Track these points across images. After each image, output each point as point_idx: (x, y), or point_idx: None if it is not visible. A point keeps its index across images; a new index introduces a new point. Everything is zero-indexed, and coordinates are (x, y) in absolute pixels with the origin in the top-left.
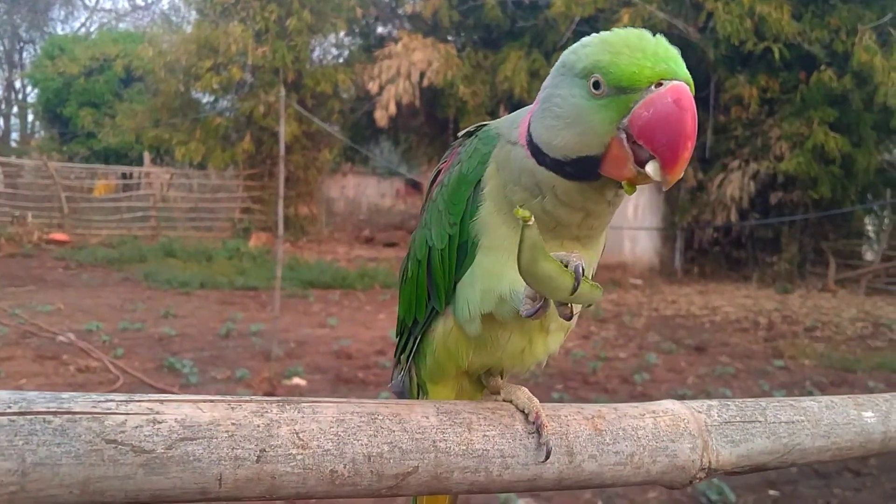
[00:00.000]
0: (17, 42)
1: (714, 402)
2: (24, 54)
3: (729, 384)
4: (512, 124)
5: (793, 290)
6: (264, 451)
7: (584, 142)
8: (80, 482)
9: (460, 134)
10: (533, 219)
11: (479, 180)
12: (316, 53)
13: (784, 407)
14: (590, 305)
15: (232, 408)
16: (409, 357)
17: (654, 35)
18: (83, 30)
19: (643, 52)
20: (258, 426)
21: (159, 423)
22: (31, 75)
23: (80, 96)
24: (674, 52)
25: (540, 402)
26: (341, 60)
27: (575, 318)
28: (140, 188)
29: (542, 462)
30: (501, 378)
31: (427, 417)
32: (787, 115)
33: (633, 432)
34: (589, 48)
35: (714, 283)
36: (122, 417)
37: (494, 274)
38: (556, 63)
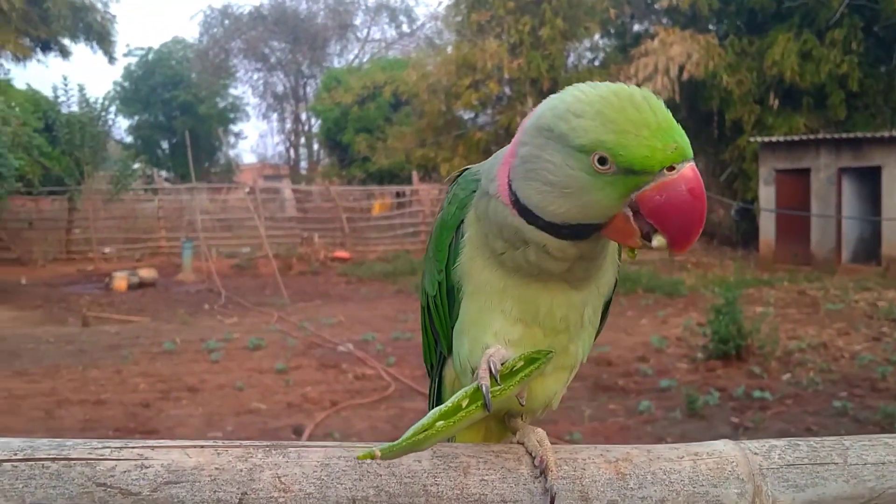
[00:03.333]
0: (300, 78)
1: (779, 443)
2: (308, 89)
3: None
4: (489, 172)
5: None
6: (246, 493)
7: (586, 213)
8: None
9: (446, 179)
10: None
11: (460, 226)
12: (571, 59)
13: (876, 446)
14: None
15: (218, 453)
16: (432, 401)
17: (643, 97)
18: (357, 61)
19: (648, 128)
20: (241, 470)
21: (147, 467)
22: (313, 107)
23: (355, 123)
24: (672, 120)
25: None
26: (596, 63)
27: (580, 356)
28: (411, 205)
29: None
30: (521, 419)
31: (420, 461)
32: None
33: (664, 476)
34: (584, 121)
35: None
36: (113, 463)
37: (480, 323)
38: (537, 121)
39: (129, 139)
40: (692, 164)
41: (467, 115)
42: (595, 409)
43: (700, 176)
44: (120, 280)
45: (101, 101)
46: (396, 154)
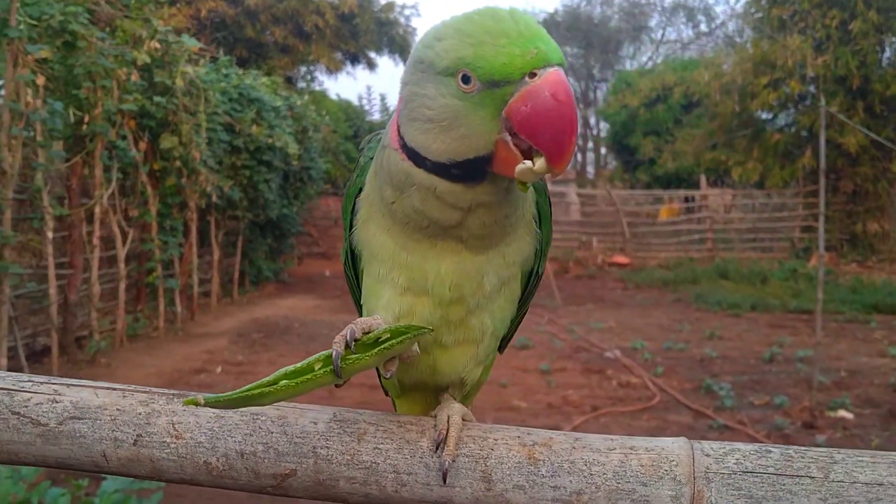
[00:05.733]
0: (591, 82)
1: (746, 447)
2: (598, 93)
3: None
4: (386, 126)
5: None
6: (140, 436)
7: (468, 144)
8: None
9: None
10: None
11: (361, 189)
12: (886, 55)
13: (879, 464)
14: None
15: (124, 396)
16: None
17: (508, 11)
18: (649, 63)
19: (507, 37)
20: (140, 413)
21: (57, 402)
22: (602, 111)
23: (644, 126)
24: (538, 29)
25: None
26: None
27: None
28: (699, 211)
29: (443, 485)
30: (449, 394)
31: (315, 423)
32: None
33: (584, 468)
34: (445, 42)
35: None
36: (30, 395)
37: (374, 294)
38: (410, 57)
39: None
40: (557, 69)
41: (764, 116)
42: (885, 440)
43: (567, 80)
44: None
45: None
46: (685, 157)
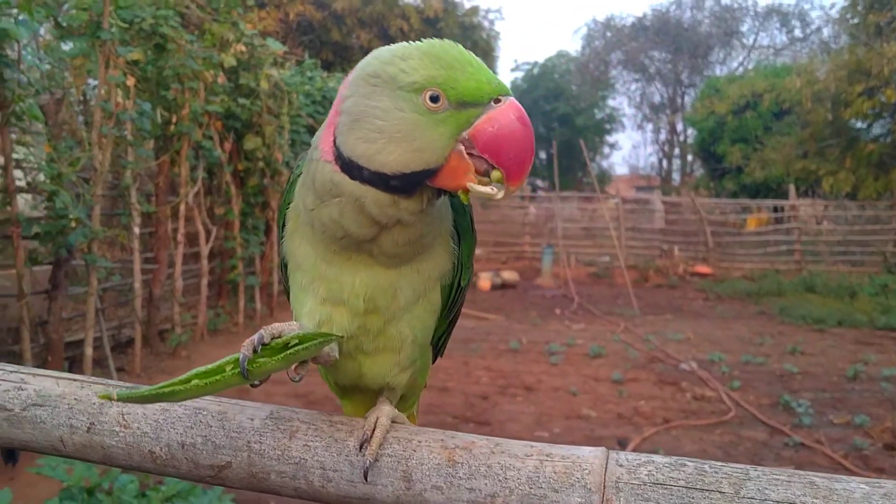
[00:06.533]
0: (679, 88)
1: (662, 459)
2: (686, 98)
3: None
4: (315, 141)
5: None
6: (93, 424)
7: (421, 157)
8: None
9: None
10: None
11: (291, 202)
12: None
13: (794, 483)
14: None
15: (81, 387)
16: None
17: (459, 45)
18: (740, 69)
19: (472, 66)
20: (94, 403)
21: (23, 389)
22: (689, 117)
23: (732, 133)
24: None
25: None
26: None
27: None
28: (788, 221)
29: (365, 482)
30: (384, 397)
31: (252, 420)
32: None
33: (500, 472)
34: (413, 62)
35: None
36: None
37: (299, 302)
38: (361, 71)
39: None
40: (514, 99)
41: (858, 125)
42: None
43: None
44: (484, 280)
45: None
46: (774, 166)
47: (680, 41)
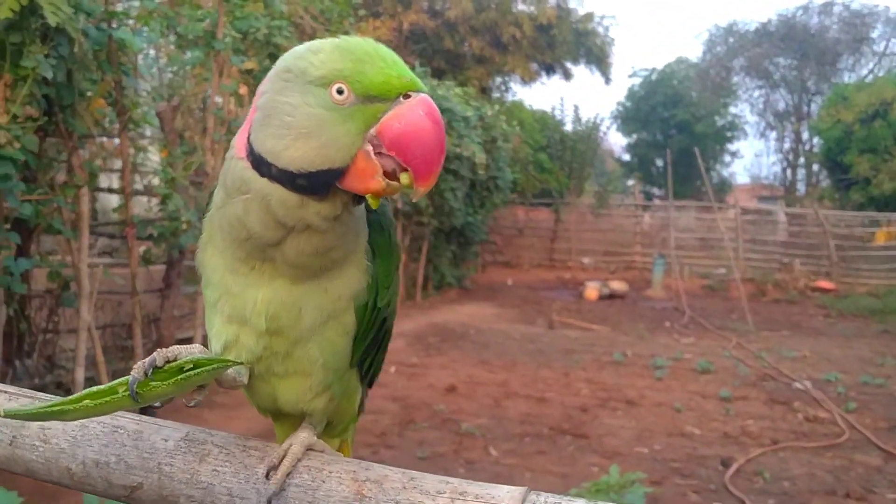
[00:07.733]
0: (804, 95)
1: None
2: (812, 106)
3: None
4: (233, 141)
5: None
6: (16, 437)
7: (325, 154)
8: None
9: None
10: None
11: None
12: None
13: None
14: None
15: (9, 399)
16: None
17: (374, 42)
18: (870, 76)
19: (385, 61)
20: None
21: None
22: (815, 126)
23: (860, 143)
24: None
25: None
26: None
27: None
28: None
29: None
30: (308, 424)
31: (166, 441)
32: None
33: None
34: (323, 55)
35: None
36: None
37: (209, 321)
38: (276, 67)
39: (626, 157)
40: (426, 95)
41: None
42: None
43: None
44: (591, 290)
45: (592, 120)
46: None
47: (806, 47)
